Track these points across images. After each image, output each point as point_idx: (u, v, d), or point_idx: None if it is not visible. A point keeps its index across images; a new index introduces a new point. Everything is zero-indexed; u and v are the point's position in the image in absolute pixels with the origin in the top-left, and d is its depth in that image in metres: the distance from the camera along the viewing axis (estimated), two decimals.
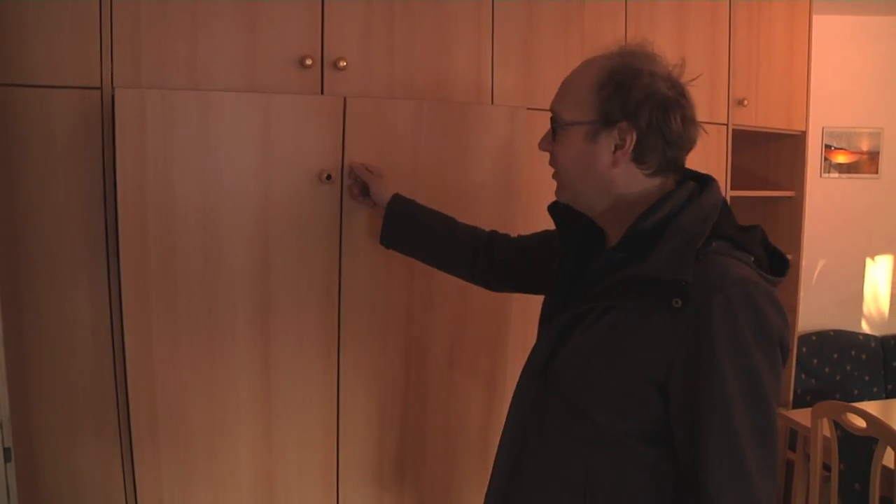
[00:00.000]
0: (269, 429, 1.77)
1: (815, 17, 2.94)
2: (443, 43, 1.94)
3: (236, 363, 1.72)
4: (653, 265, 1.07)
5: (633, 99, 1.11)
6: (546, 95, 2.18)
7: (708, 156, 2.55)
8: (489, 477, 1.31)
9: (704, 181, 1.18)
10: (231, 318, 1.70)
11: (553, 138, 1.21)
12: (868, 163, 3.80)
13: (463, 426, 2.01)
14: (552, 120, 1.21)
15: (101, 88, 1.58)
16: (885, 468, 2.25)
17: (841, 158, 3.79)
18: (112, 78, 1.59)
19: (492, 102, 2.02)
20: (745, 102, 2.63)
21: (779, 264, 1.15)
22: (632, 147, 1.12)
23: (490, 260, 1.62)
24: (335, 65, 1.79)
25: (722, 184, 2.59)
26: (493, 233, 1.67)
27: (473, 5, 1.98)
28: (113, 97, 1.54)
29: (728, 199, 2.62)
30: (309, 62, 1.75)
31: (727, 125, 2.60)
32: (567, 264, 1.28)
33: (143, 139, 1.55)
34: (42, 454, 1.64)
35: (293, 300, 1.76)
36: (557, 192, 1.25)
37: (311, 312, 1.79)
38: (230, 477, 1.75)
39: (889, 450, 2.18)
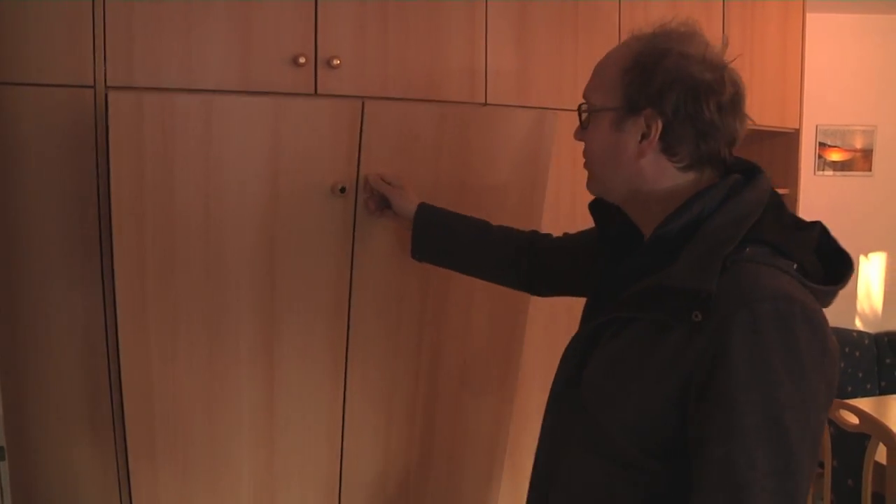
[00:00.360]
0: (271, 449, 1.71)
1: (808, 16, 2.94)
2: (436, 41, 1.95)
3: (238, 379, 1.65)
4: (675, 273, 0.96)
5: (658, 83, 1.01)
6: (540, 94, 2.21)
7: None
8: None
9: (751, 174, 1.05)
10: (234, 336, 1.62)
11: (583, 126, 1.13)
12: (862, 160, 3.82)
13: (471, 449, 1.95)
14: (581, 107, 1.13)
15: (94, 87, 1.58)
16: (877, 464, 2.26)
17: (835, 156, 3.80)
18: (105, 77, 1.58)
19: (485, 101, 2.03)
20: None
21: (835, 270, 1.01)
22: (657, 136, 1.02)
23: (533, 260, 1.49)
24: (329, 63, 1.79)
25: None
26: (534, 232, 1.56)
27: (467, 4, 1.98)
28: (106, 98, 1.49)
29: None
30: (302, 60, 1.75)
31: None
32: (603, 264, 1.20)
33: (139, 147, 1.43)
34: (37, 455, 1.65)
35: (300, 317, 1.67)
36: (588, 184, 1.16)
37: (319, 329, 1.70)
38: (230, 494, 1.70)
39: (881, 446, 2.19)
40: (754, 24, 2.71)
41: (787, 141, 2.98)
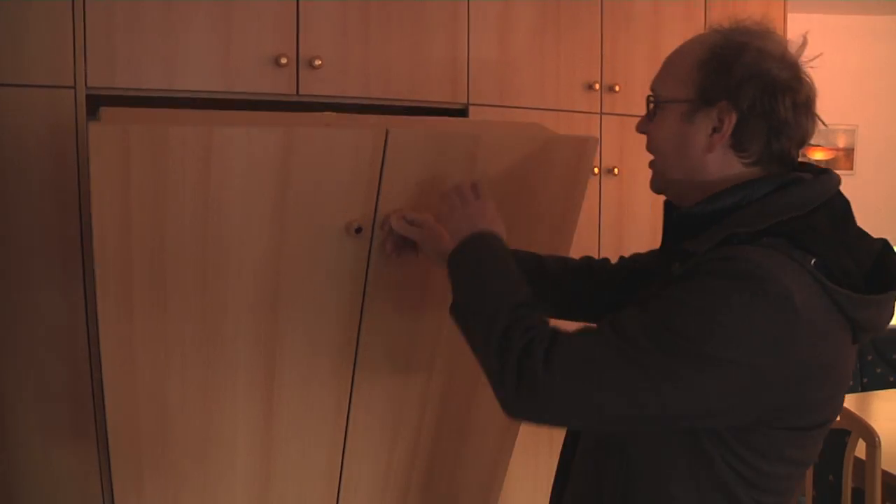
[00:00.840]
0: (266, 485, 1.59)
1: (790, 16, 2.97)
2: (418, 42, 1.95)
3: (234, 414, 1.49)
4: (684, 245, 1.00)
5: (736, 76, 1.00)
6: (522, 95, 2.22)
7: None
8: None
9: (818, 174, 1.05)
10: (231, 380, 1.46)
11: (650, 118, 1.12)
12: (844, 159, 3.86)
13: (466, 492, 1.89)
14: (649, 98, 1.12)
15: (74, 88, 1.58)
16: (857, 460, 2.29)
17: (819, 155, 3.84)
18: (86, 77, 1.58)
19: (467, 101, 2.04)
20: None
21: (880, 282, 1.00)
22: (730, 130, 1.02)
23: (595, 284, 1.41)
24: (310, 63, 1.79)
25: None
26: (589, 258, 1.48)
27: (449, 4, 1.99)
28: (87, 128, 1.31)
29: None
30: (284, 61, 1.76)
31: None
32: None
33: (125, 187, 1.20)
34: (17, 459, 1.64)
35: (302, 360, 1.51)
36: (651, 181, 1.16)
37: (323, 372, 1.54)
38: None
39: (861, 441, 2.22)
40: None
41: None
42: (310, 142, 1.30)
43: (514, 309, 1.04)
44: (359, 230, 1.37)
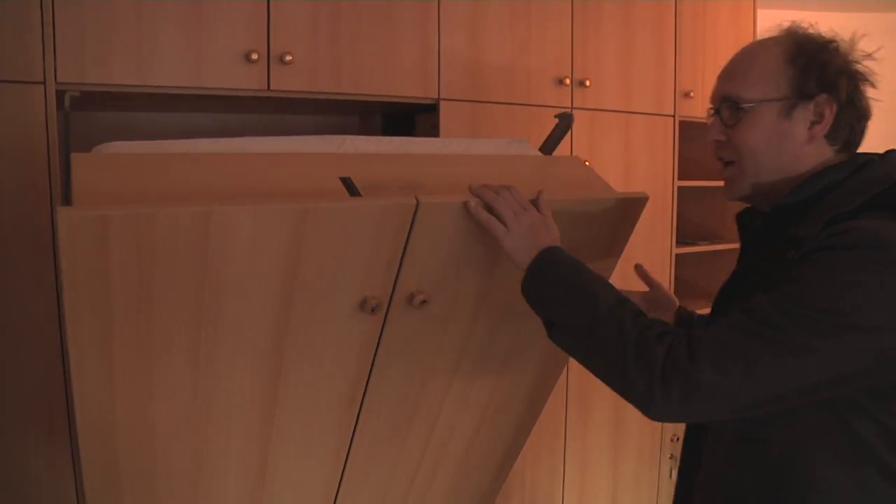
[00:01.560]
0: None
1: (759, 12, 3.01)
2: (390, 38, 1.97)
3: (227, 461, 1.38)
4: (790, 233, 1.06)
5: (831, 70, 1.09)
6: (494, 90, 2.24)
7: (655, 147, 2.61)
8: None
9: (884, 153, 1.13)
10: (224, 450, 1.34)
11: (730, 123, 1.15)
12: None
13: None
14: (725, 103, 1.16)
15: (44, 83, 1.58)
16: None
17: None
18: (55, 73, 1.59)
19: (438, 96, 2.05)
20: (692, 94, 2.70)
21: None
22: (831, 121, 1.09)
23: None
24: (281, 59, 1.80)
25: (669, 174, 2.66)
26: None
27: (420, 1, 2.01)
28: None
29: (675, 189, 2.69)
30: (255, 56, 1.77)
31: (674, 117, 2.66)
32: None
33: (104, 276, 1.01)
34: None
35: (298, 438, 1.41)
36: (732, 185, 1.18)
37: (320, 436, 1.44)
38: None
39: None
40: (706, 20, 2.77)
41: None
42: (326, 217, 1.11)
43: (635, 316, 1.07)
44: (374, 309, 1.24)
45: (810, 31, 1.15)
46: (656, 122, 2.60)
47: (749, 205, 1.26)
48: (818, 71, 1.09)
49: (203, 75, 1.74)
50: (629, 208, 1.46)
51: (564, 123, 1.62)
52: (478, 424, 1.66)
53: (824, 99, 1.09)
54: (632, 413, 2.73)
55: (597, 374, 1.10)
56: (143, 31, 1.67)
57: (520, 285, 1.20)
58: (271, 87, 1.81)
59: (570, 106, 2.33)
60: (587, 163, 1.68)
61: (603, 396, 2.60)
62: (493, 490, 1.87)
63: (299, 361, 1.27)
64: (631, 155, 2.52)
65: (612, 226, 1.47)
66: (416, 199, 1.16)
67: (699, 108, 2.75)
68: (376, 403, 1.43)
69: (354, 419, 1.44)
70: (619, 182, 2.46)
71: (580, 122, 2.36)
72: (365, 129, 2.47)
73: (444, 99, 2.07)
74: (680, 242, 2.86)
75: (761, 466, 1.08)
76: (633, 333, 1.03)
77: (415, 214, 1.17)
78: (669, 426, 2.90)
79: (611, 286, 1.14)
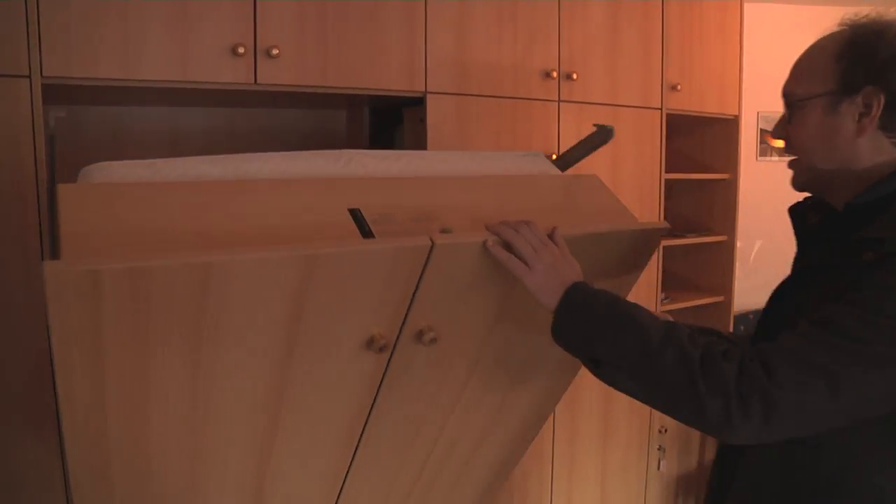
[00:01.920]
0: None
1: (746, 6, 3.03)
2: (376, 31, 1.97)
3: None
4: (864, 231, 1.02)
5: (880, 59, 1.05)
6: (480, 83, 2.24)
7: (643, 139, 2.62)
8: None
9: None
10: (220, 479, 1.30)
11: (788, 120, 1.15)
12: None
13: None
14: (784, 101, 1.16)
15: (29, 77, 1.57)
16: None
17: (781, 143, 3.90)
18: (41, 66, 1.58)
19: (425, 90, 2.06)
20: (679, 87, 2.71)
21: None
22: (879, 112, 1.05)
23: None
24: (268, 53, 1.80)
25: (656, 167, 2.67)
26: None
27: None
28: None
29: (662, 182, 2.70)
30: (241, 50, 1.77)
31: (661, 109, 2.67)
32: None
33: (96, 328, 0.96)
34: None
35: (297, 467, 1.38)
36: (793, 180, 1.18)
37: (318, 468, 1.42)
38: None
39: None
40: (693, 12, 2.78)
41: (727, 127, 3.06)
42: (336, 261, 1.05)
43: (690, 337, 1.02)
44: (383, 349, 1.19)
45: (869, 19, 1.10)
46: (644, 114, 2.62)
47: (801, 199, 1.25)
48: (866, 62, 1.06)
49: (189, 69, 1.74)
50: (647, 238, 1.42)
51: (601, 138, 1.54)
52: (479, 440, 1.65)
53: (871, 90, 1.06)
54: (620, 403, 2.77)
55: (662, 408, 1.04)
56: (130, 25, 1.66)
57: (533, 308, 1.15)
58: (258, 81, 1.81)
59: (556, 98, 2.34)
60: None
61: (591, 386, 2.61)
62: (490, 491, 1.88)
63: (300, 399, 1.23)
64: (618, 148, 2.53)
65: (630, 255, 1.44)
66: (431, 240, 1.11)
67: (686, 100, 2.76)
68: (377, 430, 1.40)
69: (355, 445, 1.40)
70: (606, 175, 2.45)
71: (567, 115, 2.37)
72: (352, 123, 2.47)
73: (431, 92, 2.07)
74: (667, 235, 2.88)
75: (813, 472, 1.06)
76: (696, 355, 0.97)
77: (429, 255, 1.13)
78: (658, 416, 2.92)
79: (650, 312, 1.09)
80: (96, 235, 0.97)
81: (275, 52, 1.81)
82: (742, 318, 3.67)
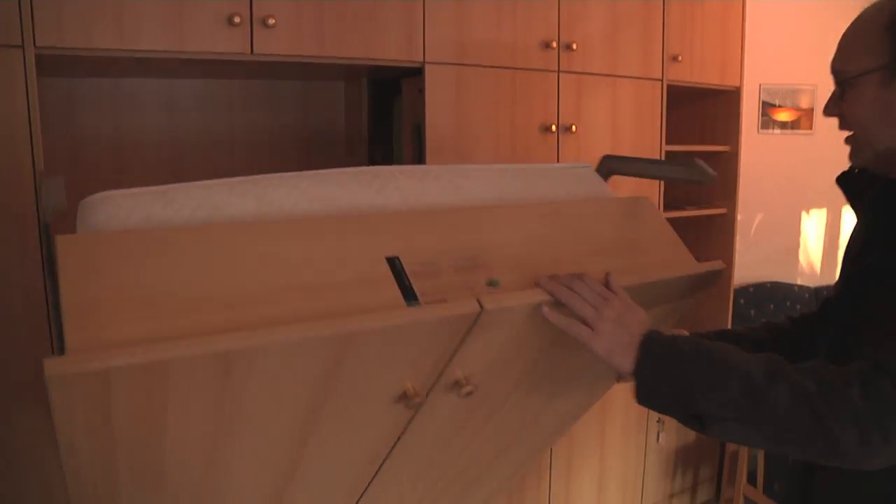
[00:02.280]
0: None
1: None
2: (374, 0, 1.94)
3: None
4: None
5: None
6: (477, 53, 2.22)
7: (643, 111, 2.60)
8: None
9: None
10: None
11: (841, 97, 1.10)
12: (805, 120, 3.90)
13: None
14: (835, 78, 1.11)
15: (22, 47, 1.55)
16: None
17: (783, 116, 3.87)
18: (34, 36, 1.56)
19: (423, 59, 2.04)
20: (680, 58, 2.68)
21: None
22: None
23: (799, 334, 1.34)
24: (264, 22, 1.78)
25: (657, 138, 2.65)
26: (769, 322, 1.40)
27: None
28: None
29: (663, 153, 2.69)
30: (237, 20, 1.74)
31: (662, 80, 2.64)
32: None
33: (105, 425, 0.87)
34: None
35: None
36: (852, 156, 1.14)
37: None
38: None
39: None
40: None
41: (728, 99, 3.03)
42: (374, 335, 0.95)
43: (791, 367, 0.94)
44: (415, 403, 1.09)
45: None
46: (644, 85, 2.59)
47: (847, 169, 1.21)
48: None
49: (185, 39, 1.72)
50: (706, 279, 1.34)
51: (694, 176, 1.41)
52: (502, 450, 1.60)
53: None
54: None
55: (792, 453, 0.96)
56: None
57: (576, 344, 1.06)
58: (254, 51, 1.79)
59: (556, 69, 2.31)
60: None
61: None
62: (500, 489, 1.87)
63: (322, 450, 1.16)
64: (618, 119, 2.51)
65: (686, 294, 1.37)
66: (480, 304, 1.01)
67: (687, 72, 2.74)
68: (398, 461, 1.33)
69: (373, 472, 1.34)
70: (606, 147, 2.45)
71: (567, 85, 2.35)
72: (351, 94, 2.45)
73: (430, 62, 2.05)
74: (668, 207, 2.87)
75: (880, 480, 1.01)
76: (811, 385, 0.90)
77: (476, 319, 1.02)
78: None
79: (734, 346, 1.01)
80: (103, 308, 0.85)
81: (271, 21, 1.78)
82: (742, 291, 3.67)
